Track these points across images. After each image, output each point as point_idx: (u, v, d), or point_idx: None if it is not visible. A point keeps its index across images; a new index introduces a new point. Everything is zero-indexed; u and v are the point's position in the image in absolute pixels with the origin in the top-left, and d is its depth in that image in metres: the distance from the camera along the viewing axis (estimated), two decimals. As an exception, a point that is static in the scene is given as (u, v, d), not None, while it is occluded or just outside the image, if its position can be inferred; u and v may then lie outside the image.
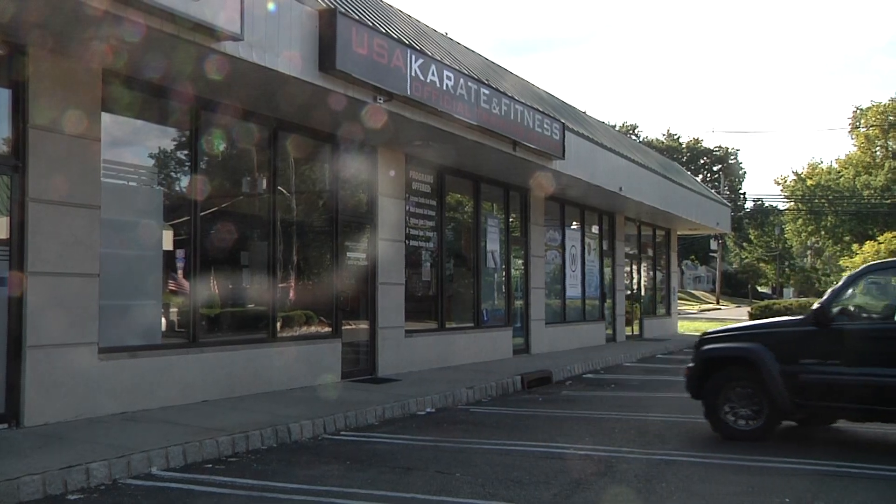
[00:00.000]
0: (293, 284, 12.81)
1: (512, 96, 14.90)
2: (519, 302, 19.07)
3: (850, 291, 9.39)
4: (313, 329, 13.00)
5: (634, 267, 27.34)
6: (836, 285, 9.62)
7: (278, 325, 12.14)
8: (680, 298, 40.73)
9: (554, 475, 7.57)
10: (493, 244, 18.14)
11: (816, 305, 9.33)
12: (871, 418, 9.33)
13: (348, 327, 13.41)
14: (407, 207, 15.00)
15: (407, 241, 14.94)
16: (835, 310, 9.11)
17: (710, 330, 10.71)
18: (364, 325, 13.86)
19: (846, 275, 10.35)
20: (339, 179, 13.45)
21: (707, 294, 76.89)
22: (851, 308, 9.24)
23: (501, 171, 16.88)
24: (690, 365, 10.19)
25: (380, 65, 11.08)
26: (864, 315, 9.30)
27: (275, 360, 11.74)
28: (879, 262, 10.63)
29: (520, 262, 19.27)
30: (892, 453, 9.29)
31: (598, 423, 10.83)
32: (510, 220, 18.99)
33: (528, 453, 8.58)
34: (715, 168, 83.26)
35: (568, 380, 15.74)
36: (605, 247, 24.55)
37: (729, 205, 37.31)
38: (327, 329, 13.06)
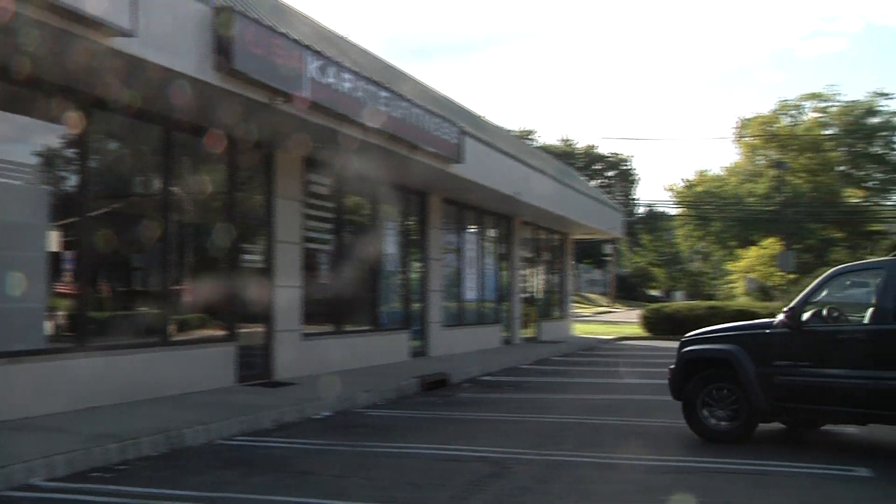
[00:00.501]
0: (188, 287, 12.52)
1: (411, 100, 14.94)
2: (417, 305, 19.14)
3: (822, 293, 9.29)
4: (208, 332, 12.75)
5: (531, 270, 27.78)
6: (808, 287, 9.50)
7: (172, 328, 11.86)
8: (575, 301, 41.51)
9: (450, 477, 7.62)
10: (391, 247, 18.16)
11: (787, 307, 9.29)
12: (842, 420, 9.39)
13: (244, 330, 13.19)
14: (304, 210, 14.86)
15: (304, 244, 14.80)
16: (807, 312, 9.06)
17: (693, 331, 10.51)
18: (261, 329, 13.66)
19: (817, 276, 10.17)
20: (235, 181, 13.23)
21: (601, 297, 78.58)
22: (823, 311, 9.10)
23: (400, 174, 16.89)
24: (672, 366, 10.10)
25: (277, 65, 10.95)
26: (835, 317, 9.20)
27: (168, 365, 11.45)
28: (850, 263, 10.58)
29: (418, 264, 19.34)
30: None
31: (495, 425, 10.96)
32: (408, 222, 19.04)
33: (424, 456, 8.61)
34: (609, 174, 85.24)
35: (465, 382, 15.86)
36: (502, 250, 24.88)
37: (622, 210, 38.29)
38: (223, 332, 12.82)
